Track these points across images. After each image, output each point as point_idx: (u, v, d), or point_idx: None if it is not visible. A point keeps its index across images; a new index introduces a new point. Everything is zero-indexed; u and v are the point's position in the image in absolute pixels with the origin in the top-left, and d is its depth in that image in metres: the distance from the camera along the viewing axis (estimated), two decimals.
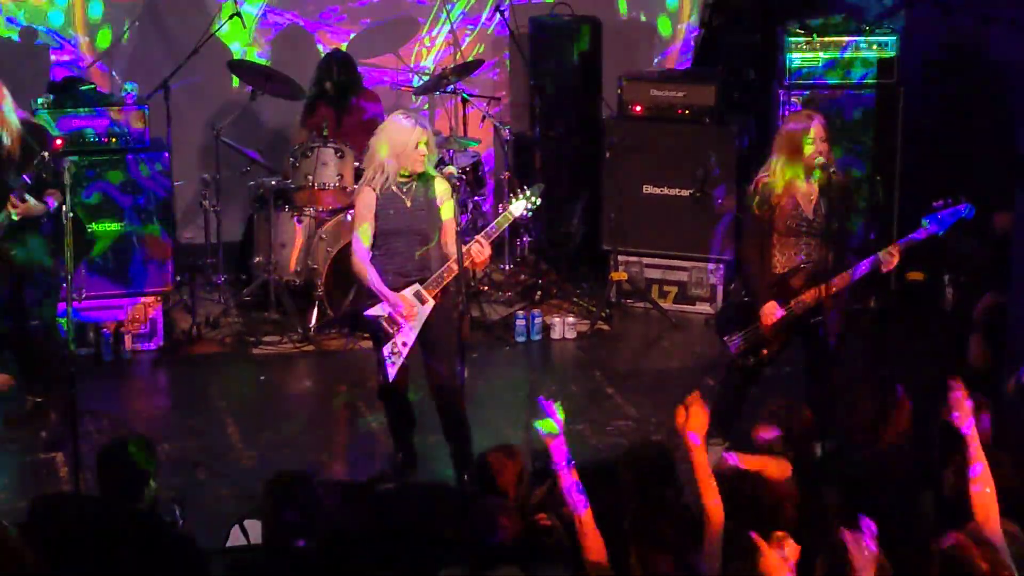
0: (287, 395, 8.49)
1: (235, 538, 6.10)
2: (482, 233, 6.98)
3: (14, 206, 7.23)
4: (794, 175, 7.05)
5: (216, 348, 9.01)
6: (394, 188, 6.88)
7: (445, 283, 6.92)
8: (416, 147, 6.82)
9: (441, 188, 6.95)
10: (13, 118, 7.37)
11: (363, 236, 6.92)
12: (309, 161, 9.15)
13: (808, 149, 7.00)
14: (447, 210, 6.94)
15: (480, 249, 6.89)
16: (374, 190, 6.89)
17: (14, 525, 5.25)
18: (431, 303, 6.90)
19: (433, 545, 5.33)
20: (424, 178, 6.90)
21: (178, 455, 7.54)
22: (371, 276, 6.90)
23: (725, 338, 7.24)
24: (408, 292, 6.91)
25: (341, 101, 9.61)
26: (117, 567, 5.17)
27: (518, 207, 7.04)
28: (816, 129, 7.02)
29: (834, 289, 7.01)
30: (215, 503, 7.01)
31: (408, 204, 6.88)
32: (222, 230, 9.39)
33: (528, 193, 7.06)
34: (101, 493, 5.57)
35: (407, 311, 6.88)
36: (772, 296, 7.08)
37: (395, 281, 6.92)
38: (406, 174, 6.88)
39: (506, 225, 7.12)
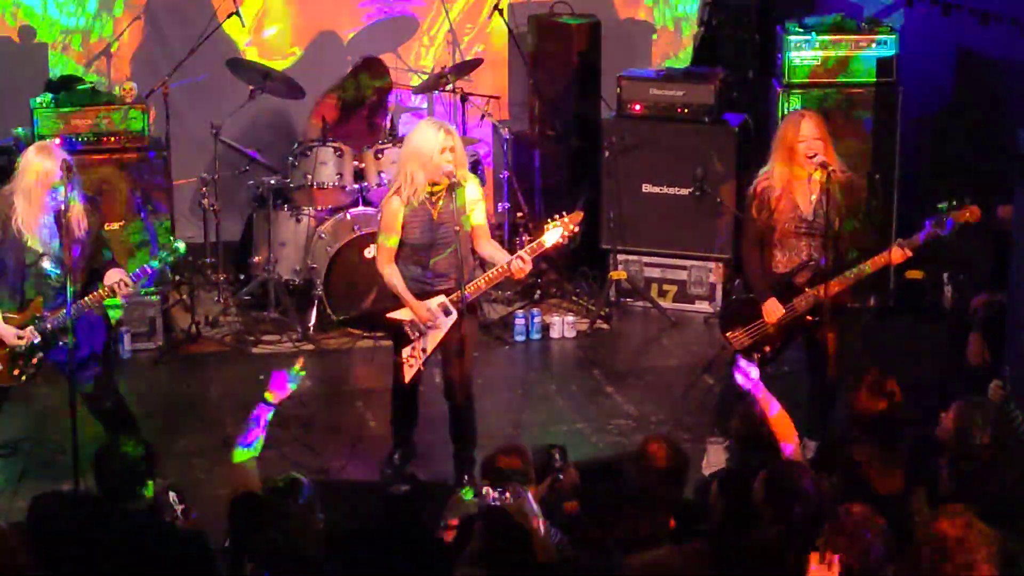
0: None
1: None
2: (524, 249, 6.87)
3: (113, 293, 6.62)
4: (791, 175, 7.04)
5: (215, 347, 9.01)
6: (424, 198, 6.80)
7: (473, 298, 6.88)
8: (441, 153, 6.71)
9: (471, 193, 6.84)
10: (78, 198, 6.63)
11: (389, 244, 6.87)
12: (308, 160, 9.15)
13: (801, 147, 6.99)
14: (478, 215, 6.89)
15: (521, 266, 6.81)
16: (402, 201, 6.82)
17: (11, 524, 5.26)
18: (455, 315, 6.88)
19: (442, 547, 5.33)
20: (453, 189, 6.74)
21: (177, 454, 7.54)
22: (398, 284, 6.88)
23: (728, 334, 7.23)
24: (434, 303, 6.91)
25: (377, 107, 9.62)
26: (116, 567, 5.17)
27: (552, 236, 6.86)
28: (807, 127, 7.00)
29: (836, 289, 7.00)
30: (214, 502, 6.99)
31: (435, 216, 6.81)
32: (221, 229, 9.39)
33: (566, 219, 6.86)
34: (100, 493, 5.57)
35: (431, 321, 6.87)
36: (775, 294, 7.09)
37: (420, 290, 6.91)
38: (435, 183, 6.77)
39: (538, 252, 6.93)
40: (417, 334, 6.95)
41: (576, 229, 6.94)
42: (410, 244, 6.87)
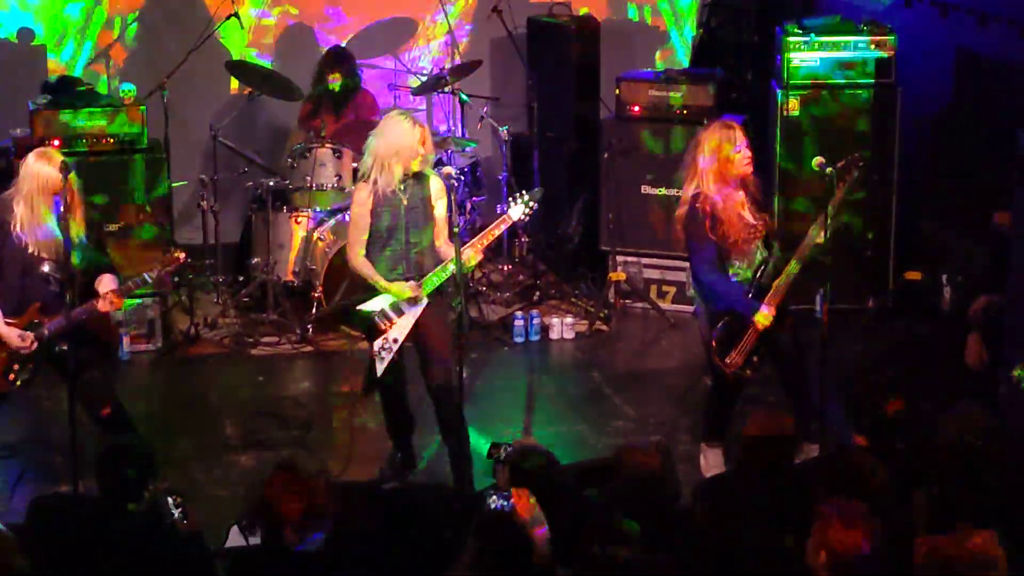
0: (285, 396, 8.48)
1: (234, 539, 6.09)
2: (476, 238, 7.01)
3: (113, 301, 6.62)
4: (726, 187, 7.02)
5: (214, 349, 9.01)
6: (392, 187, 6.90)
7: (439, 284, 6.95)
8: (417, 146, 6.84)
9: (436, 186, 6.98)
10: (80, 202, 6.66)
11: (360, 233, 6.95)
12: (307, 162, 9.15)
13: (737, 157, 7.01)
14: (440, 208, 6.98)
15: (472, 255, 6.94)
16: (373, 189, 6.91)
17: (10, 526, 5.26)
18: (424, 302, 6.92)
19: (437, 546, 5.34)
20: (420, 176, 6.93)
21: (176, 456, 7.54)
22: (370, 271, 6.94)
23: (725, 360, 7.16)
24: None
25: (340, 101, 9.63)
26: (115, 568, 5.17)
27: (516, 211, 7.07)
28: (739, 136, 7.02)
29: (798, 271, 7.00)
30: (213, 504, 7.01)
31: (404, 203, 6.91)
32: (220, 231, 9.39)
33: (526, 198, 7.09)
34: (99, 495, 5.57)
35: (415, 293, 6.90)
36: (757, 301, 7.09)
37: (389, 279, 6.95)
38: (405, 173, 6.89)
39: (503, 229, 7.13)
40: (387, 324, 6.98)
41: (535, 205, 7.06)
42: (378, 230, 6.93)
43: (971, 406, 5.93)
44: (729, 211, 7.00)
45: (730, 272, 7.08)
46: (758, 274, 7.10)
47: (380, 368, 7.01)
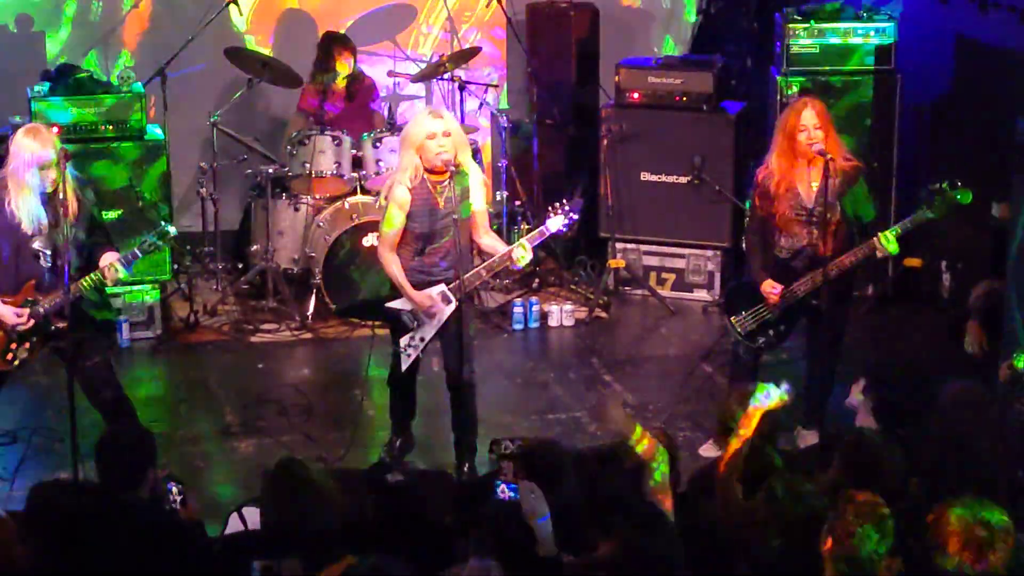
0: (285, 383, 8.49)
1: (233, 526, 6.09)
2: (526, 237, 6.92)
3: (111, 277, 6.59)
4: (791, 163, 7.05)
5: (214, 336, 9.02)
6: (428, 187, 6.82)
7: (473, 286, 6.88)
8: (431, 138, 6.72)
9: (473, 182, 6.86)
10: (71, 179, 6.61)
11: (392, 232, 6.86)
12: (306, 149, 9.14)
13: (801, 136, 7.00)
14: (479, 204, 6.90)
15: (522, 254, 6.84)
16: (408, 188, 6.82)
17: (10, 513, 5.26)
18: (455, 303, 6.89)
19: (437, 534, 5.34)
20: (458, 176, 6.78)
21: (176, 443, 7.55)
22: (397, 273, 6.88)
23: (732, 318, 7.24)
24: (434, 291, 6.91)
25: (351, 85, 9.59)
26: (114, 555, 5.17)
27: (555, 223, 6.92)
28: (808, 116, 7.02)
29: (832, 273, 7.01)
30: (213, 491, 7.02)
31: (441, 205, 6.83)
32: (220, 218, 9.39)
33: (568, 207, 6.94)
34: (99, 482, 5.57)
35: (432, 309, 6.88)
36: (773, 277, 7.11)
37: (419, 279, 6.90)
38: (436, 171, 6.79)
39: (542, 240, 6.99)
40: (415, 323, 6.96)
41: (576, 217, 6.97)
42: (413, 233, 6.87)
43: (967, 386, 5.95)
44: (783, 187, 7.03)
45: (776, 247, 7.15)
46: (792, 257, 7.10)
47: (405, 364, 6.99)
